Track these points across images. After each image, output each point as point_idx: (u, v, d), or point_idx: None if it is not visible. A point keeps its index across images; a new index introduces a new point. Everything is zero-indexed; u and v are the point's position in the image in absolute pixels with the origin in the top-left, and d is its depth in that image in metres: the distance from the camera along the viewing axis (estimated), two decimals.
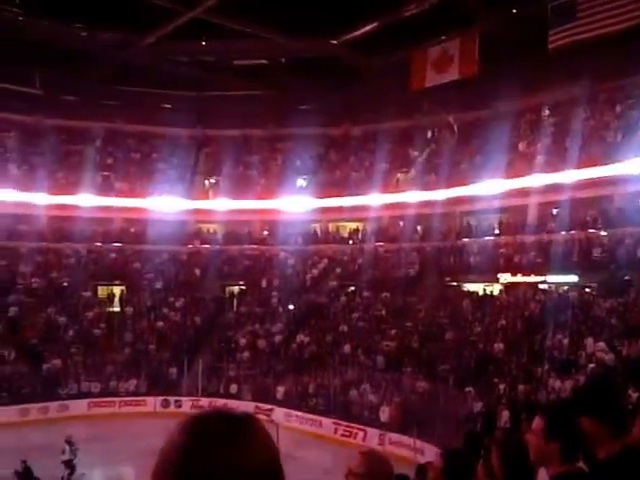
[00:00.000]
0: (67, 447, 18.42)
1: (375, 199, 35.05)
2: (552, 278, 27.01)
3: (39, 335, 29.58)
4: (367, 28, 29.82)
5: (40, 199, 34.81)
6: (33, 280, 32.58)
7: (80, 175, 36.70)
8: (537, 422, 2.81)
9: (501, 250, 30.12)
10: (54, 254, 34.91)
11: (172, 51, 33.20)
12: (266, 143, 40.87)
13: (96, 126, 39.08)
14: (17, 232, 34.11)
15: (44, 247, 34.78)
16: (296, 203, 37.11)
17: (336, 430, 23.72)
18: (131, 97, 37.18)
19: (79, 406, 26.71)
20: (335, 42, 31.51)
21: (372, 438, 22.00)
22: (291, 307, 32.64)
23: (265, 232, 38.69)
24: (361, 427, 23.05)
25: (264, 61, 36.04)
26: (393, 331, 27.77)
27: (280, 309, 32.72)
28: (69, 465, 18.38)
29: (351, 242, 36.47)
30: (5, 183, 34.38)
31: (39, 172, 35.43)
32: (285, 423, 22.69)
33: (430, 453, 17.69)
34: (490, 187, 30.57)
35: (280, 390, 26.79)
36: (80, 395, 27.36)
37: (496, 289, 29.27)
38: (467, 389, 21.87)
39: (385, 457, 2.94)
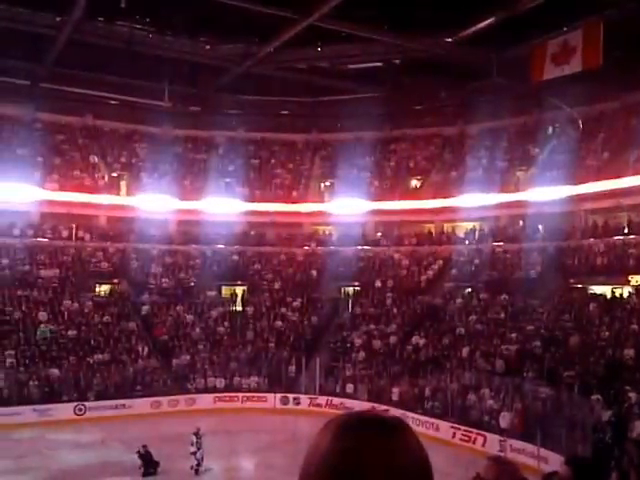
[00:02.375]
0: (194, 439, 19.44)
1: (493, 198, 34.18)
2: None
3: (169, 332, 31.48)
4: (483, 24, 29.18)
5: (169, 204, 37.11)
6: (163, 280, 34.74)
7: (204, 181, 38.78)
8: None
9: (630, 250, 28.42)
10: (182, 256, 37.03)
11: (289, 59, 34.13)
12: (380, 145, 41.05)
13: (218, 134, 41.10)
14: (149, 235, 36.53)
15: (173, 249, 36.98)
16: (410, 204, 36.94)
17: (454, 434, 23.39)
18: (251, 105, 38.69)
19: (206, 400, 28.13)
20: (450, 40, 31.10)
21: (492, 444, 21.46)
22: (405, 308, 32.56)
23: (379, 233, 38.85)
24: (480, 432, 22.58)
25: (378, 63, 36.21)
26: (513, 335, 26.94)
27: (394, 310, 32.73)
28: (196, 456, 19.40)
29: (467, 242, 35.79)
30: (138, 190, 36.98)
31: (168, 179, 37.82)
32: None
33: (554, 462, 17.07)
34: (617, 183, 28.92)
35: (395, 391, 26.80)
36: (206, 390, 28.81)
37: (625, 291, 27.65)
38: (594, 397, 20.83)
39: (515, 464, 2.78)
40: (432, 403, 25.30)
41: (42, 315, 29.73)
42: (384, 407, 25.45)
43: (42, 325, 29.07)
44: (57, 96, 36.41)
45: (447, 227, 37.62)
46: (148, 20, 30.02)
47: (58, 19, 28.67)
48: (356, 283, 36.36)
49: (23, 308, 29.85)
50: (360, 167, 40.39)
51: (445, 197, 36.04)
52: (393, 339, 30.39)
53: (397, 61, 36.29)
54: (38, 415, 24.80)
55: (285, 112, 39.95)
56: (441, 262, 35.08)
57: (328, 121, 39.55)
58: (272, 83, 36.17)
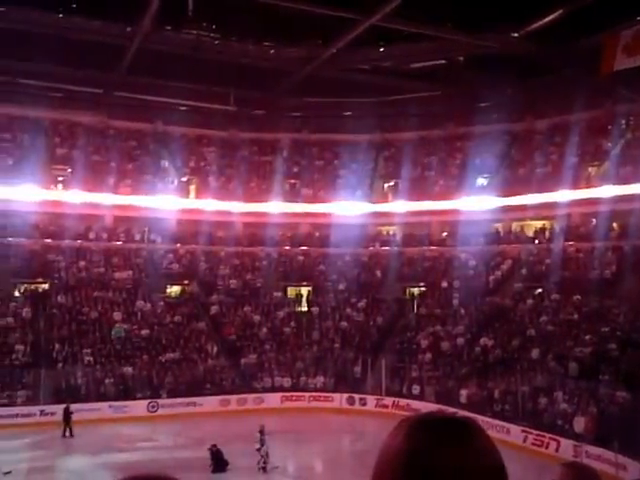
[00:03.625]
0: (258, 436, 19.73)
1: (564, 195, 33.16)
2: None
3: (237, 332, 32.09)
4: (551, 17, 28.39)
5: (236, 207, 37.83)
6: (231, 281, 35.44)
7: (270, 184, 39.34)
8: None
9: None
10: (249, 257, 37.67)
11: (352, 60, 34.17)
12: (445, 143, 40.53)
13: (283, 137, 41.60)
14: (217, 238, 37.36)
15: (240, 251, 37.67)
16: (477, 203, 36.30)
17: (525, 438, 22.78)
18: (314, 107, 38.97)
19: (273, 399, 28.53)
20: (516, 35, 30.41)
21: (566, 449, 20.74)
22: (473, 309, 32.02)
23: (445, 233, 38.35)
24: (553, 436, 21.91)
25: (442, 61, 35.77)
26: (587, 336, 26.05)
27: (462, 311, 32.25)
28: (260, 453, 19.68)
29: (537, 242, 34.86)
30: (206, 193, 37.89)
31: (235, 182, 38.58)
32: None
33: (634, 470, 16.42)
34: None
35: (464, 394, 26.38)
36: (274, 389, 29.21)
37: None
38: None
39: (593, 470, 2.62)
40: (502, 406, 24.78)
41: (117, 315, 30.88)
42: (452, 409, 25.10)
43: (117, 325, 30.19)
44: (129, 103, 37.74)
45: (515, 226, 36.77)
46: (214, 27, 30.70)
47: (129, 29, 29.71)
48: (421, 283, 36.04)
49: (99, 308, 31.09)
50: (425, 166, 40.00)
51: (513, 195, 35.22)
52: (460, 340, 29.95)
53: (461, 58, 35.75)
54: (113, 411, 25.79)
55: (348, 113, 40.02)
56: (510, 262, 34.32)
57: (392, 121, 39.37)
58: (335, 84, 36.28)
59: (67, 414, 23.27)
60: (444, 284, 34.49)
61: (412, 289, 36.50)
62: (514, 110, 36.70)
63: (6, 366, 26.46)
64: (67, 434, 23.15)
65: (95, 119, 38.20)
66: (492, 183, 37.37)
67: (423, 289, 35.91)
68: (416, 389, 28.05)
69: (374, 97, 38.43)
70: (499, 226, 36.86)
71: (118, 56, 31.73)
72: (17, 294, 31.59)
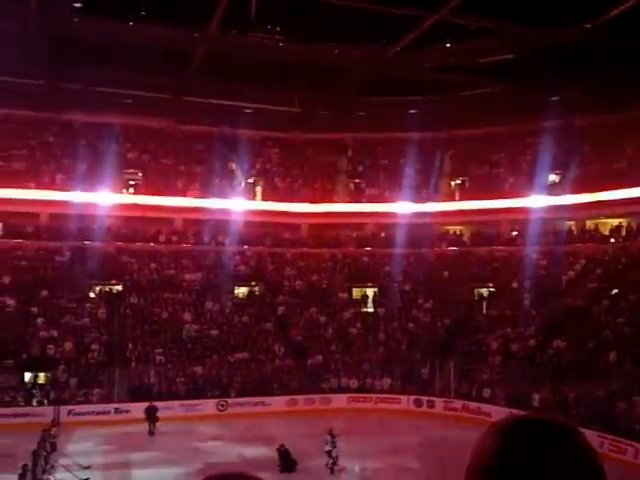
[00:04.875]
0: (329, 438, 19.72)
1: None
2: None
3: (303, 333, 32.25)
4: (625, 5, 27.19)
5: (301, 208, 38.05)
6: (297, 282, 35.67)
7: (335, 184, 39.36)
8: None
9: None
10: (314, 258, 37.81)
11: (416, 58, 33.76)
12: (514, 139, 39.49)
13: (348, 137, 41.55)
14: (283, 239, 37.67)
15: (305, 252, 37.86)
16: (548, 200, 35.19)
17: (602, 444, 21.92)
18: (379, 106, 38.73)
19: (339, 400, 28.52)
20: (589, 25, 29.28)
21: None
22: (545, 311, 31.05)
23: (514, 232, 37.38)
24: (631, 443, 21.01)
25: (509, 55, 34.85)
26: None
27: (533, 312, 31.34)
28: (331, 455, 19.68)
29: (613, 240, 33.49)
30: (272, 195, 38.30)
31: (300, 183, 38.81)
32: None
33: None
34: None
35: (536, 397, 25.63)
36: (340, 390, 29.19)
37: None
38: None
39: None
40: (576, 410, 23.93)
41: (187, 316, 31.58)
42: (523, 413, 24.41)
43: (187, 325, 30.87)
44: (196, 108, 38.53)
45: (590, 224, 35.45)
46: (278, 29, 30.94)
47: (196, 34, 30.33)
48: (490, 284, 35.25)
49: (170, 309, 31.88)
50: (493, 163, 39.12)
51: (586, 192, 33.97)
52: (532, 343, 29.15)
53: (529, 52, 34.72)
54: (185, 410, 26.39)
55: (413, 111, 39.56)
56: (583, 261, 33.13)
57: (457, 118, 38.65)
58: (400, 82, 35.94)
59: (151, 412, 23.81)
60: (514, 285, 33.62)
61: (481, 290, 35.75)
62: (586, 104, 35.37)
63: (83, 365, 27.47)
64: (152, 431, 23.64)
65: (164, 124, 39.23)
66: (564, 180, 36.18)
67: (492, 290, 35.12)
68: (486, 392, 27.45)
69: (440, 94, 37.85)
70: (572, 224, 35.67)
71: (186, 61, 32.44)
72: (92, 295, 32.77)
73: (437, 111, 38.09)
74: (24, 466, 15.60)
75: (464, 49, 33.25)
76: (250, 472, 1.25)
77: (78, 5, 27.58)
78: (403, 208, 38.24)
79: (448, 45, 32.66)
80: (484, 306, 34.21)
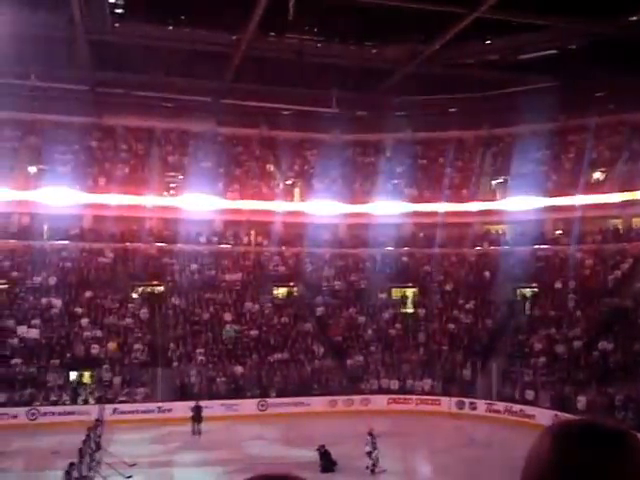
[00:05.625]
0: (369, 439, 19.60)
1: None
2: None
3: (343, 333, 32.16)
4: None
5: (339, 209, 38.01)
6: (335, 283, 35.62)
7: (373, 184, 39.19)
8: None
9: None
10: (353, 259, 37.70)
11: (456, 55, 33.37)
12: (558, 137, 38.68)
13: (387, 137, 41.33)
14: (321, 240, 37.66)
15: (343, 253, 37.78)
16: (593, 198, 34.33)
17: None
18: (418, 105, 38.41)
19: (379, 401, 28.34)
20: (634, 18, 28.49)
21: None
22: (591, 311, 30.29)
23: (558, 231, 36.60)
24: None
25: (552, 51, 34.16)
26: None
27: (578, 313, 30.61)
28: (371, 456, 19.55)
29: None
30: (310, 196, 38.35)
31: (338, 184, 38.75)
32: None
33: None
34: None
35: (581, 400, 25.03)
36: (380, 391, 29.00)
37: None
38: None
39: None
40: (624, 413, 23.27)
41: (227, 316, 31.83)
42: (568, 416, 23.88)
43: (227, 325, 31.13)
44: (235, 110, 38.84)
45: (637, 222, 34.45)
46: (315, 30, 30.97)
47: (234, 38, 30.57)
48: (534, 284, 34.57)
49: (210, 309, 32.17)
50: (535, 161, 38.35)
51: (634, 189, 33.02)
52: (577, 344, 28.47)
53: (573, 47, 33.98)
54: (225, 409, 26.59)
55: (453, 109, 39.11)
56: (631, 261, 32.21)
57: (499, 116, 38.03)
58: (438, 81, 35.58)
59: (197, 412, 23.94)
60: (558, 285, 32.90)
61: (523, 290, 35.09)
62: (632, 99, 34.39)
63: (126, 364, 27.94)
64: (196, 431, 23.75)
65: (204, 126, 39.66)
66: (609, 177, 35.25)
67: (535, 290, 34.44)
68: (530, 394, 26.93)
69: (480, 92, 37.32)
70: (618, 223, 34.72)
71: (225, 64, 32.73)
72: (135, 296, 33.30)
73: (478, 109, 37.55)
74: (71, 464, 15.90)
75: (505, 45, 32.75)
76: (294, 473, 1.24)
77: (119, 11, 28.10)
78: (443, 207, 37.82)
79: (488, 41, 32.20)
80: (527, 306, 33.59)
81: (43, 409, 24.95)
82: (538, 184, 36.44)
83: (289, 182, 39.97)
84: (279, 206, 37.83)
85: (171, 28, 29.66)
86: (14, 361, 26.80)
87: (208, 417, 24.54)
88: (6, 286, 31.64)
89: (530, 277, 34.59)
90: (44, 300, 30.68)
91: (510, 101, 36.80)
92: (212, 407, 26.07)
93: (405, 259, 37.73)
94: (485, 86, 36.88)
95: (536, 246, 35.84)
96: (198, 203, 36.44)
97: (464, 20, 28.28)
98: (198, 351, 29.25)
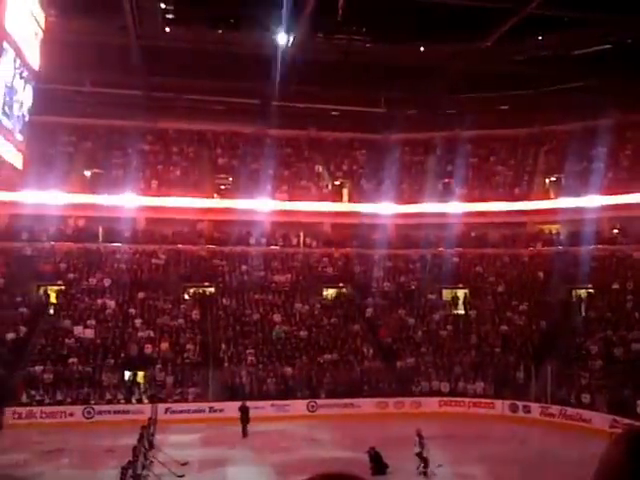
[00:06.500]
0: (417, 439, 19.35)
1: None
2: None
3: (392, 334, 31.91)
4: None
5: (388, 209, 37.76)
6: (385, 284, 35.38)
7: (423, 184, 38.78)
8: None
9: None
10: (402, 259, 37.39)
11: (507, 52, 32.69)
12: (613, 133, 37.44)
13: (436, 136, 40.87)
14: (370, 240, 37.49)
15: (393, 253, 37.50)
16: None
17: None
18: (468, 104, 37.84)
19: (430, 404, 27.98)
20: None
21: None
22: None
23: (615, 230, 35.47)
24: None
25: (607, 45, 33.10)
26: None
27: (636, 315, 29.58)
28: (421, 457, 19.29)
29: None
30: (359, 196, 38.23)
31: (387, 184, 38.51)
32: None
33: None
34: None
35: None
36: (431, 393, 28.64)
37: None
38: None
39: None
40: None
41: (276, 317, 31.99)
42: (627, 421, 23.09)
43: (277, 326, 31.27)
44: (284, 112, 39.03)
45: None
46: (364, 30, 30.81)
47: (282, 40, 30.62)
48: (589, 285, 33.59)
49: (260, 310, 32.40)
50: (590, 159, 37.28)
51: None
52: (636, 346, 27.52)
53: (629, 40, 32.84)
54: (275, 410, 26.71)
55: (505, 107, 38.35)
56: None
57: (552, 112, 37.09)
58: (489, 78, 34.93)
59: (244, 412, 23.92)
60: (615, 285, 31.88)
61: (579, 291, 34.15)
62: None
63: (178, 364, 28.37)
64: (244, 432, 23.64)
65: (253, 129, 40.01)
66: None
67: (591, 291, 33.46)
68: (586, 398, 26.15)
69: (531, 89, 36.48)
70: None
71: (273, 66, 32.88)
72: (187, 297, 33.82)
73: (530, 106, 36.73)
74: (129, 462, 16.18)
75: (558, 41, 31.91)
76: (354, 472, 1.23)
77: (170, 16, 28.58)
78: (494, 207, 37.13)
79: (540, 37, 31.45)
80: (582, 308, 32.67)
81: (98, 408, 25.56)
82: (593, 182, 35.40)
83: (338, 183, 39.95)
84: (328, 207, 37.84)
85: (220, 31, 29.99)
86: (71, 360, 27.56)
87: (258, 417, 24.68)
88: (63, 287, 32.63)
89: (586, 278, 33.61)
90: (99, 301, 31.47)
91: (563, 97, 35.88)
92: (263, 408, 26.23)
93: (456, 260, 37.20)
94: (536, 82, 36.04)
95: (592, 246, 34.81)
96: (247, 205, 36.76)
97: (515, 17, 27.69)
98: (248, 352, 29.47)
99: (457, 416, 27.02)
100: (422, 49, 32.06)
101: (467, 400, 28.17)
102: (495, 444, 23.08)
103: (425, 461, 19.11)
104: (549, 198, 37.66)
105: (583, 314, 32.20)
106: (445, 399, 28.28)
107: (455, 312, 34.29)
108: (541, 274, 34.83)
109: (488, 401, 27.94)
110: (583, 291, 34.06)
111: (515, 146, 39.39)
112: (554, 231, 37.66)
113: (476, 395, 28.41)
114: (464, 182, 39.19)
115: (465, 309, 34.28)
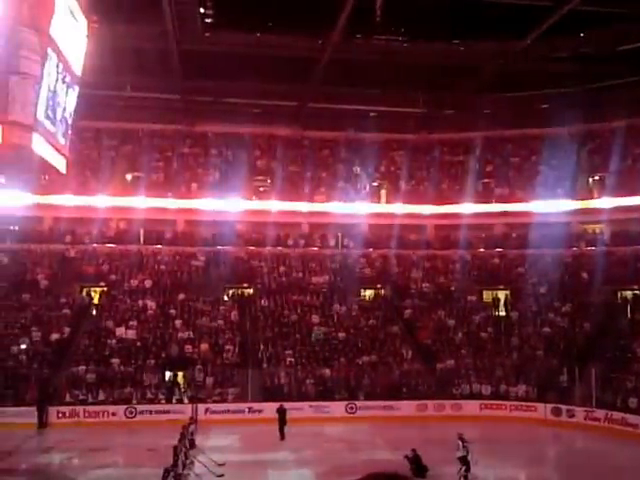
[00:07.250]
0: (460, 444, 19.03)
1: None
2: None
3: (432, 336, 31.58)
4: None
5: (427, 210, 37.47)
6: (424, 285, 35.07)
7: (462, 184, 38.35)
8: None
9: None
10: (441, 260, 37.02)
11: (548, 49, 32.07)
12: None
13: (475, 135, 40.37)
14: (409, 241, 37.22)
15: (431, 254, 37.17)
16: None
17: None
18: (508, 102, 37.27)
19: (471, 407, 27.55)
20: None
21: None
22: None
23: None
24: None
25: None
26: None
27: None
28: (464, 461, 18.98)
29: None
30: (397, 197, 38.02)
31: (425, 185, 38.19)
32: None
33: None
34: None
35: None
36: (472, 396, 28.23)
37: None
38: None
39: None
40: None
41: (315, 318, 31.99)
42: None
43: (315, 327, 31.26)
44: (322, 114, 39.07)
45: None
46: (402, 30, 30.59)
47: (320, 42, 30.68)
48: (635, 286, 32.73)
49: (298, 311, 32.45)
50: (636, 157, 36.32)
51: None
52: None
53: None
54: (314, 411, 26.67)
55: (546, 106, 37.65)
56: None
57: (596, 110, 36.25)
58: (530, 76, 34.32)
59: (281, 414, 23.64)
60: None
61: (624, 292, 33.28)
62: None
63: (218, 365, 28.58)
64: (282, 433, 23.41)
65: (291, 131, 40.14)
66: None
67: (637, 292, 32.56)
68: (633, 402, 25.43)
69: (574, 86, 35.71)
70: None
71: (311, 68, 32.94)
72: (226, 298, 34.09)
73: (573, 104, 35.95)
74: (172, 465, 16.27)
75: (601, 37, 31.17)
76: (402, 472, 1.10)
77: (209, 20, 28.85)
78: (536, 207, 36.48)
79: (582, 34, 30.76)
80: (628, 310, 31.83)
81: (140, 407, 25.89)
82: (637, 181, 34.49)
83: (375, 184, 39.77)
84: (366, 208, 37.72)
85: (258, 35, 30.15)
86: (113, 361, 28.03)
87: (297, 419, 24.66)
88: (105, 289, 33.25)
89: (631, 279, 32.78)
90: (140, 302, 31.96)
91: (607, 94, 35.05)
92: (302, 409, 26.21)
93: (496, 260, 36.66)
94: (579, 80, 35.27)
95: (637, 246, 33.89)
96: (286, 206, 36.90)
97: (554, 14, 27.15)
98: (287, 352, 29.52)
99: (498, 419, 26.58)
100: (462, 49, 31.66)
101: (508, 404, 27.65)
102: (538, 448, 22.63)
103: (468, 465, 18.79)
104: (592, 197, 36.82)
105: (629, 316, 31.37)
106: (486, 402, 27.83)
107: (496, 314, 33.77)
108: (584, 275, 34.07)
109: (530, 404, 27.38)
110: (629, 292, 33.20)
111: (556, 145, 38.58)
112: (597, 231, 36.83)
113: (518, 398, 27.89)
114: (504, 182, 38.61)
115: (506, 310, 33.74)
